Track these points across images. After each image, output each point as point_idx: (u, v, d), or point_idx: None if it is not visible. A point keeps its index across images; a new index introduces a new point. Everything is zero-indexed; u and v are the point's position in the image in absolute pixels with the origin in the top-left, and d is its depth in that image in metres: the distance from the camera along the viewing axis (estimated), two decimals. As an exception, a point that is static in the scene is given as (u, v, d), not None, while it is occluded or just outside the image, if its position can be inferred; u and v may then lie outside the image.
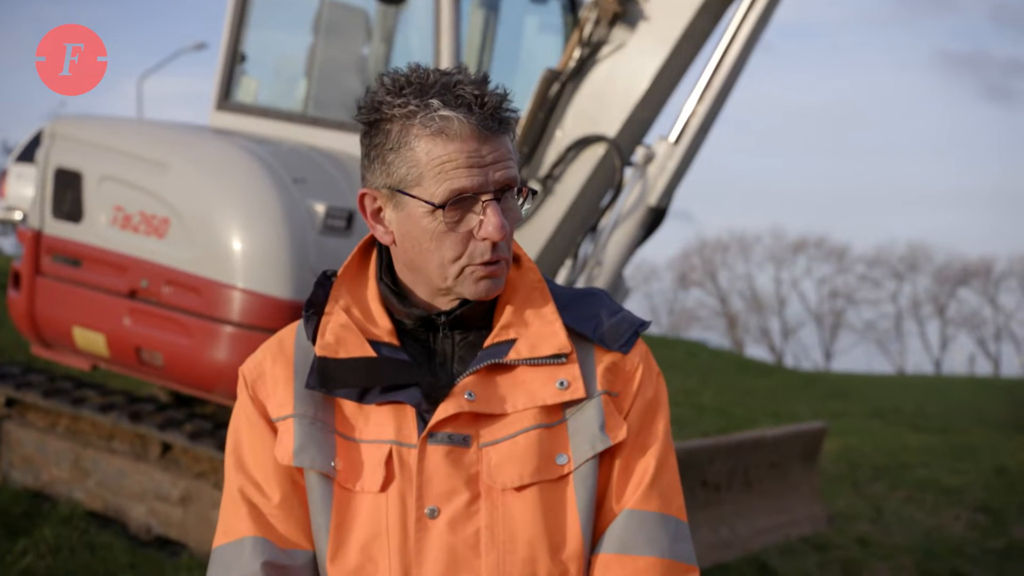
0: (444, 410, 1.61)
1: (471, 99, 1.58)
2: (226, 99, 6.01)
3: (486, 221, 1.60)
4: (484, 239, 1.60)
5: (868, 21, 77.00)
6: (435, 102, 1.57)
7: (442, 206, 1.58)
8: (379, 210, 1.66)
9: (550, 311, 1.69)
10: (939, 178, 74.43)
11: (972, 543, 8.12)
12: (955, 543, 8.05)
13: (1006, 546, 8.12)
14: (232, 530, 1.68)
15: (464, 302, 1.66)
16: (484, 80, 1.62)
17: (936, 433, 14.54)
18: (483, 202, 1.59)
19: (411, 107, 1.58)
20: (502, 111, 1.60)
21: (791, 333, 46.77)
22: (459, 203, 1.59)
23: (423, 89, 1.59)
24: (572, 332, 1.69)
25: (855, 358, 45.02)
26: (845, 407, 16.41)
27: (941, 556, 7.58)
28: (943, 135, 75.45)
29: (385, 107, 1.60)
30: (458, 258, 1.61)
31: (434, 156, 1.57)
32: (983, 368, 44.61)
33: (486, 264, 1.61)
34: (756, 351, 42.85)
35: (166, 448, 5.61)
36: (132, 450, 5.78)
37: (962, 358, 45.72)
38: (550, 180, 5.12)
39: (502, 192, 1.61)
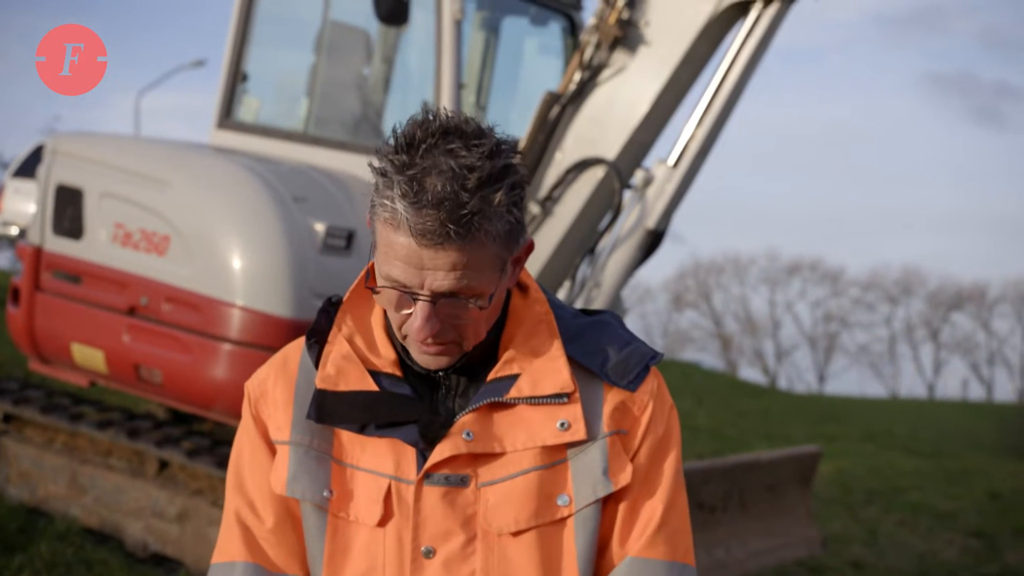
0: (440, 452, 1.58)
1: (431, 200, 1.45)
2: (227, 117, 6.05)
3: (413, 318, 1.54)
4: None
5: (858, 44, 77.34)
6: (399, 188, 1.47)
7: (375, 287, 1.55)
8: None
9: (555, 346, 1.63)
10: (932, 202, 74.71)
11: (966, 568, 8.13)
12: (949, 568, 8.05)
13: (999, 571, 8.13)
14: (226, 551, 1.67)
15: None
16: (471, 170, 1.47)
17: (929, 457, 14.55)
18: (418, 298, 1.52)
19: (389, 174, 1.49)
20: (464, 219, 1.46)
21: (785, 355, 46.82)
22: (395, 288, 1.53)
23: (403, 165, 1.48)
24: (578, 366, 1.63)
25: (848, 381, 45.05)
26: (838, 430, 16.42)
27: (935, 580, 7.58)
28: (934, 158, 75.79)
29: (382, 157, 1.52)
30: (399, 328, 1.58)
31: (382, 236, 1.51)
32: (976, 393, 44.68)
33: (425, 343, 1.56)
34: (750, 373, 42.88)
35: (163, 465, 5.62)
36: (129, 467, 5.78)
37: (955, 382, 45.81)
38: (549, 202, 5.16)
39: (442, 297, 1.52)
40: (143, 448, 5.64)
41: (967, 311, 46.35)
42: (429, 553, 1.58)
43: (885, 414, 23.21)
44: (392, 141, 1.51)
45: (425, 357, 1.58)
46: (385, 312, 1.64)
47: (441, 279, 1.49)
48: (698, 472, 5.95)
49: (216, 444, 5.62)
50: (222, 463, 5.19)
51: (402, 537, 1.59)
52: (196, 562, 5.35)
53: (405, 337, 1.58)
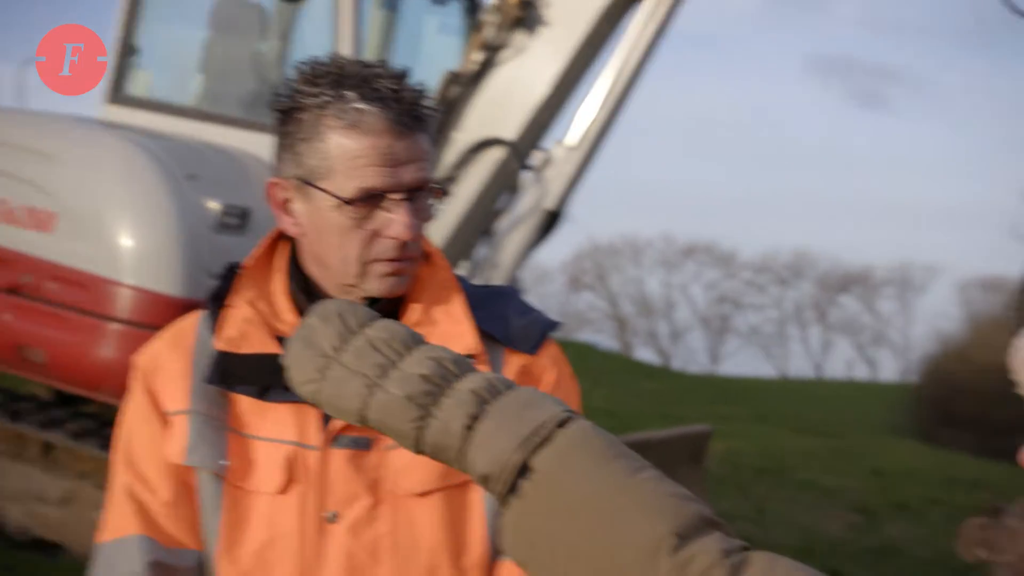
0: None
1: (388, 93, 1.53)
2: (117, 92, 5.88)
3: (395, 220, 1.56)
4: (392, 238, 1.57)
5: (747, 27, 78.58)
6: (350, 94, 1.53)
7: (350, 202, 1.55)
8: (287, 201, 1.61)
9: (460, 310, 1.65)
10: (821, 185, 76.40)
11: (849, 542, 8.38)
12: (833, 542, 8.29)
13: (880, 544, 8.40)
14: (117, 527, 1.62)
15: (371, 300, 1.62)
16: (403, 75, 1.57)
17: (816, 436, 14.94)
18: (393, 200, 1.56)
19: (326, 97, 1.54)
20: (420, 108, 1.56)
21: (679, 336, 47.54)
22: (368, 200, 1.55)
23: (340, 79, 1.54)
24: (482, 333, 1.65)
25: (741, 361, 45.92)
26: (730, 410, 16.75)
27: (819, 555, 7.80)
28: (822, 142, 77.47)
29: (300, 95, 1.56)
30: (363, 254, 1.58)
31: (346, 150, 1.53)
32: (861, 372, 45.96)
33: (392, 261, 1.58)
34: (645, 354, 43.42)
35: (47, 448, 5.47)
36: (10, 450, 5.61)
37: (842, 363, 47.05)
38: (448, 182, 5.14)
39: (414, 192, 1.58)
40: (25, 431, 5.48)
41: (854, 293, 47.62)
42: (334, 518, 1.57)
43: (775, 394, 23.76)
44: (309, 69, 1.56)
45: (390, 280, 1.59)
46: (290, 276, 1.65)
47: (415, 171, 1.55)
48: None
49: (103, 425, 5.48)
50: (108, 445, 5.07)
51: (306, 503, 1.58)
52: (80, 546, 5.22)
53: (365, 267, 1.58)
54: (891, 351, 47.03)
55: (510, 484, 1.08)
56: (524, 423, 1.09)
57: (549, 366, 1.69)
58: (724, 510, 8.64)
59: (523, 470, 1.07)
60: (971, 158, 76.03)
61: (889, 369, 45.65)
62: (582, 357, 19.62)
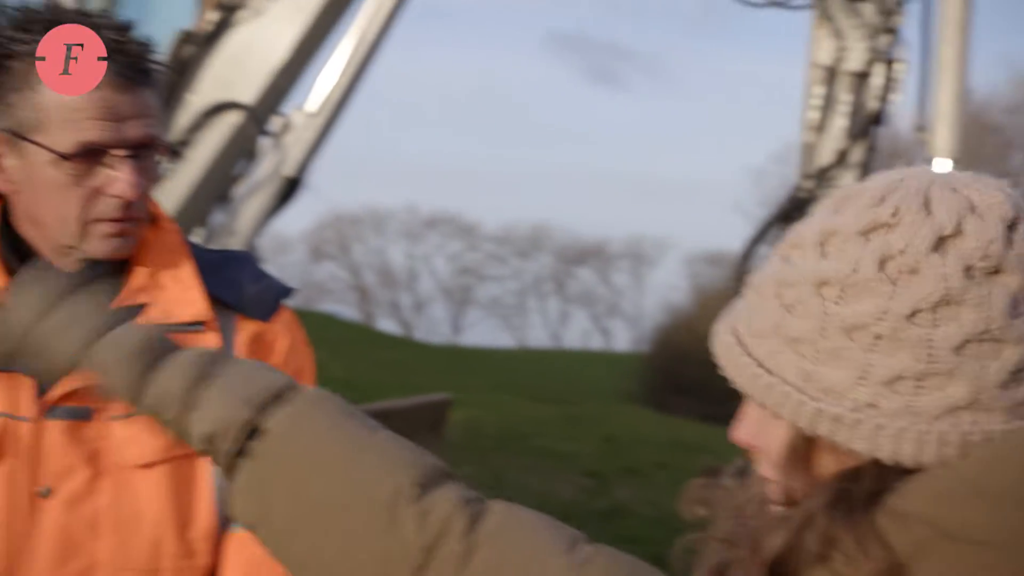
0: (62, 384, 1.47)
1: (110, 44, 1.46)
2: None
3: (118, 178, 1.49)
4: (115, 196, 1.50)
5: (485, 1, 79.87)
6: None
7: (68, 157, 1.46)
8: None
9: (189, 275, 1.59)
10: (559, 160, 78.74)
11: (580, 505, 8.73)
12: (565, 506, 8.61)
13: (609, 506, 8.80)
14: None
15: (93, 263, 1.53)
16: (127, 27, 1.50)
17: (553, 404, 15.44)
18: (116, 157, 1.48)
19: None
20: (145, 62, 1.50)
21: (422, 307, 47.93)
22: (88, 155, 1.47)
23: (50, 22, 1.46)
24: (213, 299, 1.60)
25: (482, 332, 46.82)
26: (471, 379, 17.06)
27: (552, 517, 8.09)
28: (558, 117, 79.85)
29: (10, 42, 1.46)
30: (83, 213, 1.50)
31: (62, 102, 1.45)
32: (596, 342, 47.78)
33: (114, 221, 1.50)
34: (387, 324, 43.55)
35: None
36: None
37: (578, 333, 48.75)
38: (181, 145, 4.95)
39: (139, 149, 1.51)
40: None
41: (590, 266, 49.37)
42: (47, 493, 1.49)
43: (514, 363, 24.35)
44: (21, 15, 1.47)
45: (112, 241, 1.51)
46: (1, 236, 1.54)
47: (140, 127, 1.48)
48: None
49: None
50: None
51: (16, 479, 1.48)
52: None
53: (86, 227, 1.49)
54: (624, 322, 49.13)
55: (239, 444, 1.06)
56: (253, 385, 1.08)
57: (283, 332, 1.65)
58: (463, 477, 8.79)
59: (254, 433, 1.06)
60: (699, 136, 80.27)
61: (623, 339, 47.70)
62: (322, 327, 19.44)
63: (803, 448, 0.99)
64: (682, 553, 1.08)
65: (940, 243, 0.94)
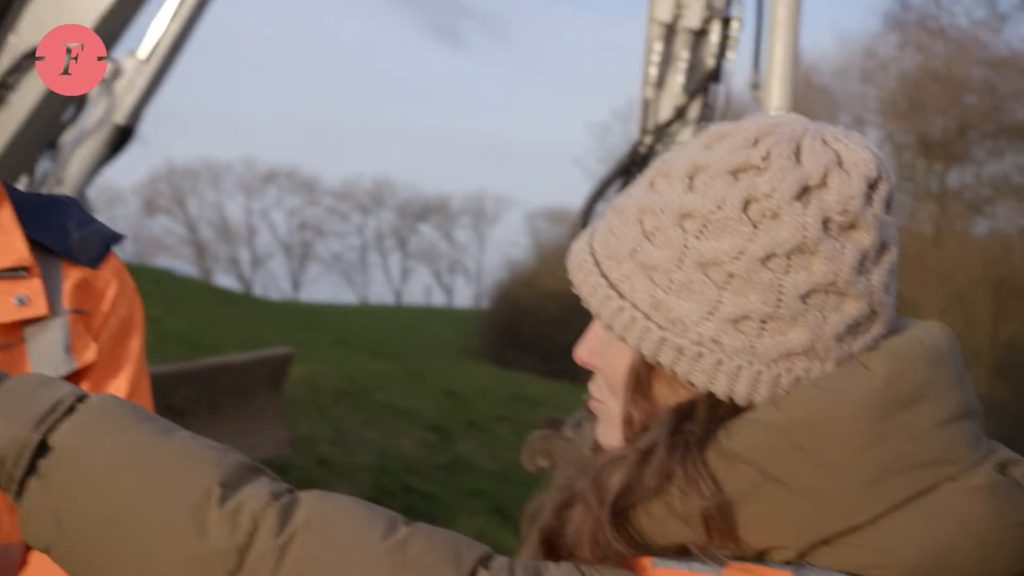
0: None
1: None
2: None
3: None
4: None
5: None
6: None
7: None
8: None
9: (7, 218, 1.51)
10: (401, 116, 78.20)
11: (422, 459, 8.76)
12: (407, 460, 8.63)
13: (451, 460, 8.86)
14: None
15: None
16: None
17: (394, 359, 15.42)
18: None
19: None
20: None
21: (260, 263, 47.06)
22: None
23: None
24: (35, 245, 1.52)
25: (323, 288, 46.30)
26: (312, 335, 16.87)
27: (394, 472, 8.09)
28: (401, 73, 79.17)
29: None
30: None
31: None
32: (438, 299, 47.86)
33: None
34: (225, 280, 42.63)
35: None
36: None
37: (420, 289, 48.73)
38: (4, 90, 4.71)
39: None
40: None
41: (432, 222, 49.30)
42: None
43: (356, 320, 24.19)
44: None
45: None
46: None
47: None
48: (167, 376, 5.83)
49: None
50: None
51: None
52: None
53: None
54: (466, 278, 49.32)
55: (26, 465, 1.00)
56: (38, 402, 1.02)
57: (111, 279, 1.57)
58: (304, 432, 8.71)
59: (41, 450, 1.00)
60: (542, 94, 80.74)
61: (464, 296, 47.92)
62: (159, 283, 18.90)
63: (644, 375, 1.00)
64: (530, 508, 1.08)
65: (804, 192, 0.96)
